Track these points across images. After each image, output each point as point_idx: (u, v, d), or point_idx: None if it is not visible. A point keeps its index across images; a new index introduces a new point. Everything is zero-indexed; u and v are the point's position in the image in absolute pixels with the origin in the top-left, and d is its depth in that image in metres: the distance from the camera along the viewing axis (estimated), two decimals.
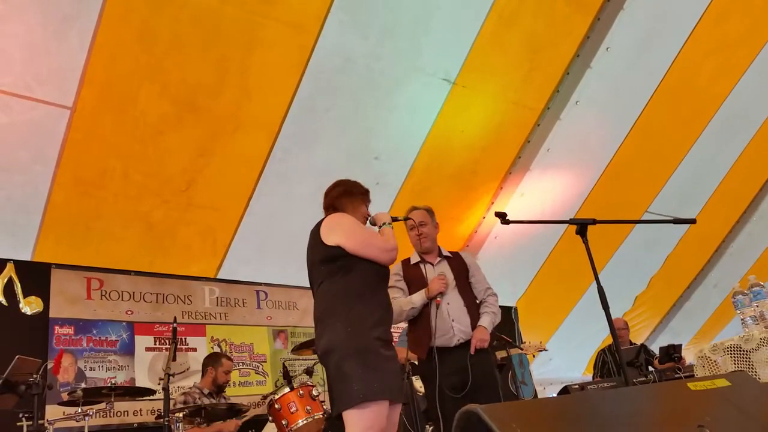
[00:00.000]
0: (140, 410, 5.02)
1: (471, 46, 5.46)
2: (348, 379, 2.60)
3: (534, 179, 6.55)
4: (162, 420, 3.91)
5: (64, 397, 4.40)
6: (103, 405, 4.27)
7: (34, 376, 3.73)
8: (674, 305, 9.06)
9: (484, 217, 6.89)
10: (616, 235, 7.62)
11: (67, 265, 5.10)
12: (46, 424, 3.97)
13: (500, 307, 3.96)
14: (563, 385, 5.37)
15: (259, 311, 6.05)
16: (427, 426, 4.32)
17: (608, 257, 7.60)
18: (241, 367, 5.71)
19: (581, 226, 2.90)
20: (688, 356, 6.09)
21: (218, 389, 4.91)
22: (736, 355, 3.18)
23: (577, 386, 5.05)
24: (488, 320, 3.77)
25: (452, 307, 3.74)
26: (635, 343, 6.61)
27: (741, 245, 8.78)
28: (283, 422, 4.11)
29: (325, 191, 3.14)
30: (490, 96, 5.93)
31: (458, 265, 3.95)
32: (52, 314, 4.92)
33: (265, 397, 5.26)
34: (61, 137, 4.51)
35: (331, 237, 2.83)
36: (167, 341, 5.30)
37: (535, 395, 7.08)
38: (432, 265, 3.88)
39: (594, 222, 2.92)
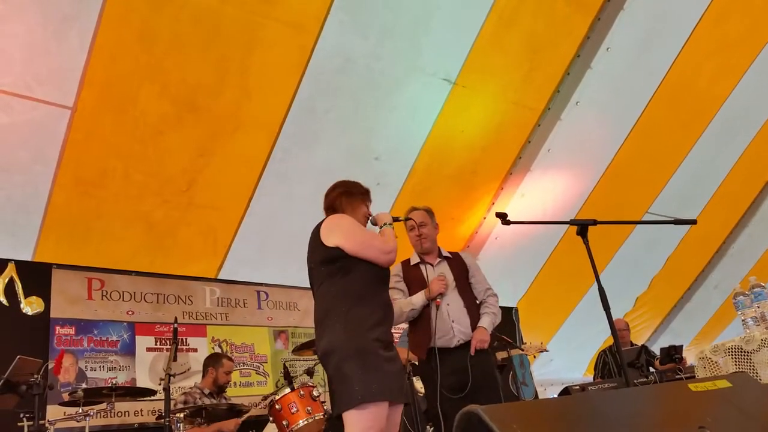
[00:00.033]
0: (141, 410, 5.02)
1: (471, 46, 5.46)
2: (347, 380, 2.60)
3: (534, 180, 6.55)
4: (163, 420, 3.92)
5: (65, 397, 4.39)
6: (103, 405, 4.27)
7: (35, 376, 3.73)
8: (675, 306, 9.06)
9: (484, 218, 6.89)
10: (616, 235, 7.62)
11: (68, 265, 5.10)
12: (46, 425, 3.97)
13: (501, 307, 3.96)
14: (564, 386, 5.37)
15: (259, 312, 6.05)
16: (428, 426, 4.32)
17: (609, 258, 7.60)
18: (241, 367, 5.71)
19: (582, 227, 2.90)
20: (689, 357, 6.09)
21: (219, 390, 4.91)
22: (737, 356, 3.18)
23: (577, 387, 5.06)
24: (488, 321, 3.76)
25: (452, 307, 3.74)
26: (636, 344, 6.61)
27: (742, 246, 8.77)
28: (284, 423, 4.11)
29: (325, 192, 3.14)
30: (491, 96, 5.93)
31: (458, 265, 3.95)
32: (53, 314, 4.92)
33: (265, 397, 5.25)
34: (62, 137, 4.51)
35: (330, 238, 2.83)
36: (168, 341, 5.30)
37: (536, 396, 7.08)
38: (432, 265, 3.87)
39: (595, 223, 2.92)
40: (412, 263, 3.96)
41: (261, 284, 6.12)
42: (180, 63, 4.60)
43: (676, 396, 2.02)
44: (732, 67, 6.82)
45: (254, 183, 5.39)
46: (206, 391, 4.81)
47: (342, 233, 2.84)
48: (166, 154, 4.95)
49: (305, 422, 4.08)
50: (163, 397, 3.94)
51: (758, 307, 3.31)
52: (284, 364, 5.21)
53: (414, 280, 3.85)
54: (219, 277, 5.84)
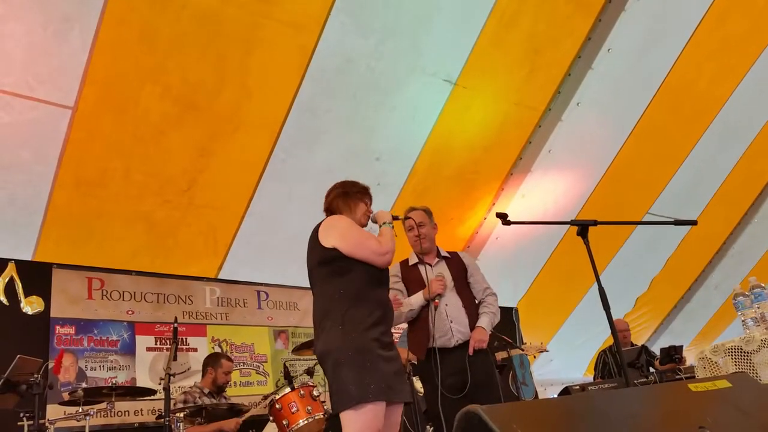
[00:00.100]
0: (141, 410, 5.02)
1: (472, 46, 5.46)
2: (344, 380, 2.61)
3: (535, 180, 6.55)
4: (163, 420, 3.91)
5: (65, 396, 4.39)
6: (103, 405, 4.27)
7: (35, 375, 3.74)
8: (675, 306, 9.06)
9: (485, 218, 6.89)
10: (617, 236, 7.62)
11: (68, 264, 5.10)
12: (47, 424, 3.97)
13: (501, 308, 3.95)
14: (564, 386, 5.37)
15: (260, 311, 6.05)
16: (428, 426, 4.32)
17: (609, 258, 7.60)
18: (241, 367, 5.71)
19: (582, 228, 2.90)
20: (689, 357, 6.09)
21: (218, 389, 4.92)
22: (737, 357, 3.18)
23: (577, 387, 5.05)
24: (487, 320, 3.76)
25: (450, 307, 3.74)
26: (636, 345, 6.61)
27: (742, 247, 8.77)
28: (284, 422, 4.11)
29: (326, 194, 3.16)
30: (492, 97, 5.93)
31: (457, 265, 3.95)
32: (53, 314, 4.92)
33: (265, 397, 5.25)
34: (63, 137, 4.52)
35: (327, 239, 2.85)
36: (168, 341, 5.30)
37: (536, 396, 7.08)
38: (430, 265, 3.87)
39: (595, 223, 2.92)
40: (410, 263, 3.96)
41: (261, 284, 6.12)
42: (181, 63, 4.60)
43: (676, 396, 2.03)
44: (733, 68, 6.82)
45: (255, 183, 5.39)
46: (206, 391, 4.81)
47: (338, 234, 2.85)
48: (167, 153, 4.95)
49: (305, 422, 4.08)
50: (163, 397, 3.93)
51: (758, 307, 3.31)
52: (284, 363, 5.21)
53: (413, 280, 3.86)
54: (219, 277, 5.84)
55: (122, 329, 5.21)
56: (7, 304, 4.76)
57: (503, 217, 2.97)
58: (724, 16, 6.20)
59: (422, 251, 3.92)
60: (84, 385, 4.79)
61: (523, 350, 5.99)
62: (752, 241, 8.77)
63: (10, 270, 4.85)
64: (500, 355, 5.39)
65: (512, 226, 3.04)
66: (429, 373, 3.64)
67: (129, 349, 5.20)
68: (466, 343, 3.68)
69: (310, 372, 4.96)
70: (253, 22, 4.61)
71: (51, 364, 4.73)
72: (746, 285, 3.46)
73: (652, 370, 5.82)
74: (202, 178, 5.17)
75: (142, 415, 5.01)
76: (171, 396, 3.99)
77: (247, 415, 4.61)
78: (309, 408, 4.13)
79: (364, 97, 5.39)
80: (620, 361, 5.88)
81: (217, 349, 5.57)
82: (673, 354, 5.64)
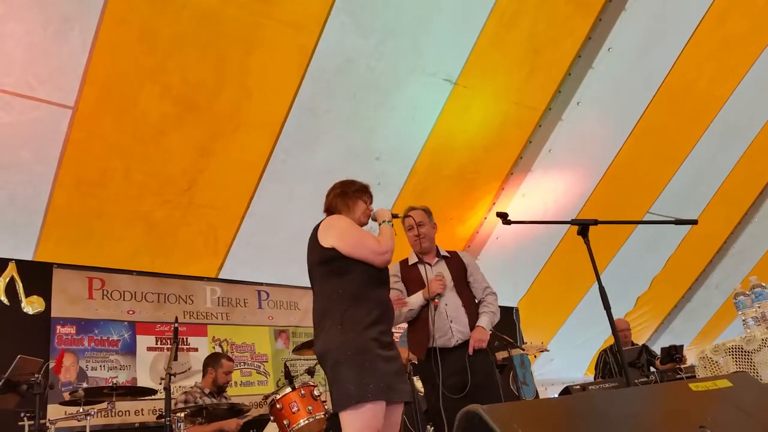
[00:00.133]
0: (142, 410, 5.02)
1: (472, 46, 5.45)
2: (343, 380, 2.62)
3: (536, 180, 6.55)
4: (163, 420, 3.92)
5: (66, 396, 4.40)
6: (104, 405, 4.27)
7: (36, 375, 3.74)
8: (676, 306, 9.06)
9: (485, 218, 6.89)
10: (617, 235, 7.62)
11: (69, 264, 5.10)
12: (47, 424, 3.98)
13: (502, 307, 3.95)
14: (564, 386, 5.37)
15: (260, 311, 6.05)
16: (428, 426, 4.32)
17: (610, 258, 7.60)
18: (242, 367, 5.71)
19: (583, 227, 2.90)
20: (690, 357, 6.08)
21: (219, 389, 4.92)
22: (737, 356, 3.18)
23: (578, 387, 5.05)
24: (486, 320, 3.76)
25: (450, 307, 3.74)
26: (637, 344, 6.61)
27: (743, 246, 8.77)
28: (285, 422, 4.11)
29: (326, 194, 3.16)
30: (492, 96, 5.93)
31: (456, 264, 3.95)
32: (53, 314, 4.92)
33: (266, 396, 5.26)
34: (63, 137, 4.52)
35: (326, 239, 2.86)
36: (169, 341, 5.30)
37: (537, 396, 7.08)
38: (430, 265, 3.87)
39: (596, 222, 2.92)
40: (410, 263, 3.96)
41: (261, 284, 6.12)
42: (181, 63, 4.60)
43: (676, 396, 2.03)
44: (733, 68, 6.82)
45: (255, 183, 5.39)
46: (206, 391, 4.81)
47: (337, 234, 2.85)
48: (167, 153, 4.95)
49: (306, 421, 4.08)
50: (163, 397, 3.94)
51: (759, 307, 3.31)
52: (285, 363, 5.21)
53: (412, 279, 3.85)
54: (219, 277, 5.84)
55: (123, 329, 5.22)
56: (8, 304, 4.76)
57: (503, 217, 2.97)
58: (724, 16, 6.20)
59: (422, 251, 3.92)
60: (85, 385, 4.79)
61: (523, 350, 5.99)
62: (753, 240, 8.78)
63: (11, 270, 4.85)
64: (501, 355, 5.39)
65: (513, 225, 3.04)
66: (429, 373, 3.63)
67: (130, 349, 5.20)
68: (466, 343, 3.68)
69: (310, 372, 4.96)
70: (253, 22, 4.61)
71: (52, 364, 4.73)
72: (747, 284, 3.46)
73: (652, 369, 5.81)
74: (202, 178, 5.17)
75: (142, 415, 5.01)
76: (172, 396, 4.00)
77: (248, 417, 4.62)
78: (310, 408, 4.13)
79: (364, 96, 5.39)
80: (621, 361, 5.88)
81: (218, 349, 5.57)
82: (673, 353, 5.63)
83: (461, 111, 5.83)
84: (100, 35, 4.22)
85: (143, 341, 5.28)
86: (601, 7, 5.74)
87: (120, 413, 4.86)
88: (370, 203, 3.13)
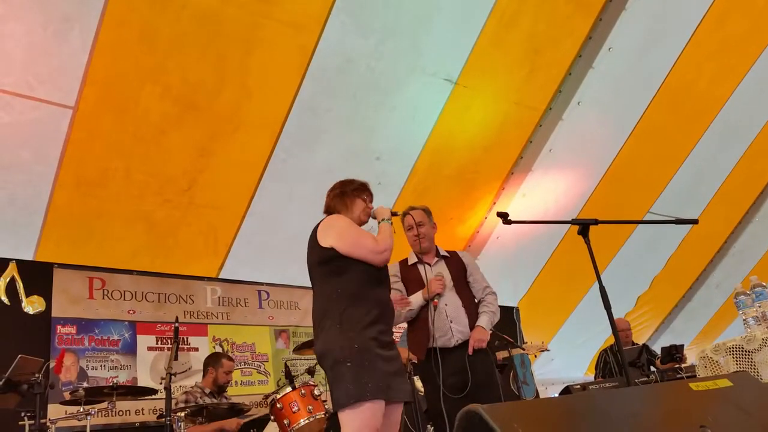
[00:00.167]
0: (142, 409, 5.03)
1: (472, 46, 5.45)
2: (341, 379, 2.62)
3: (536, 179, 6.55)
4: (164, 419, 3.92)
5: (66, 396, 4.40)
6: (105, 404, 4.27)
7: (36, 375, 3.74)
8: (676, 305, 9.06)
9: (486, 218, 6.89)
10: (618, 235, 7.62)
11: (70, 264, 5.10)
12: (48, 424, 3.97)
13: (502, 307, 3.95)
14: (565, 385, 5.36)
15: (260, 311, 6.05)
16: (429, 426, 4.32)
17: (610, 257, 7.60)
18: (242, 366, 5.71)
19: (583, 227, 2.90)
20: (690, 356, 6.08)
21: (219, 389, 4.92)
22: (738, 356, 3.18)
23: (578, 386, 5.04)
24: (486, 320, 3.76)
25: (450, 307, 3.73)
26: (637, 344, 6.60)
27: (743, 245, 8.77)
28: (285, 422, 4.11)
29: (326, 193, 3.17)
30: (492, 96, 5.92)
31: (456, 264, 3.94)
32: (54, 314, 4.92)
33: (266, 396, 5.26)
34: (63, 137, 4.52)
35: (325, 239, 2.86)
36: (169, 341, 5.30)
37: (537, 395, 7.08)
38: (430, 265, 3.87)
39: (596, 222, 2.92)
40: (409, 263, 3.95)
41: (262, 283, 6.12)
42: (181, 63, 4.60)
43: (677, 395, 2.03)
44: (733, 68, 6.82)
45: (255, 183, 5.39)
46: (207, 391, 4.81)
47: (335, 234, 2.86)
48: (167, 153, 4.95)
49: (306, 421, 4.08)
50: (164, 396, 3.94)
51: (759, 306, 3.31)
52: (285, 363, 5.22)
53: (412, 279, 3.85)
54: (220, 277, 5.85)
55: (123, 329, 5.22)
56: (9, 303, 4.76)
57: (504, 217, 2.97)
58: (724, 16, 6.20)
59: (421, 251, 3.91)
60: (85, 384, 4.79)
61: (524, 349, 5.98)
62: (753, 240, 8.77)
63: (11, 270, 4.85)
64: (501, 355, 5.38)
65: (513, 225, 3.04)
66: (429, 373, 3.63)
67: (130, 349, 5.20)
68: (466, 343, 3.68)
69: (311, 371, 4.96)
70: (253, 22, 4.61)
71: (52, 364, 4.73)
72: (747, 284, 3.45)
73: (653, 369, 5.81)
74: (202, 177, 5.17)
75: (143, 414, 5.02)
76: (172, 395, 4.00)
77: (248, 417, 4.62)
78: (310, 407, 4.13)
79: (364, 96, 5.39)
80: (621, 361, 5.88)
81: (218, 349, 5.57)
82: (674, 353, 5.63)
83: (461, 111, 5.82)
84: (101, 35, 4.22)
85: (144, 341, 5.29)
86: (601, 7, 5.74)
87: (120, 413, 4.86)
88: (370, 201, 3.13)
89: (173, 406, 4.10)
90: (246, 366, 5.76)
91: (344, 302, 2.76)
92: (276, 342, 6.05)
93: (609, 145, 6.80)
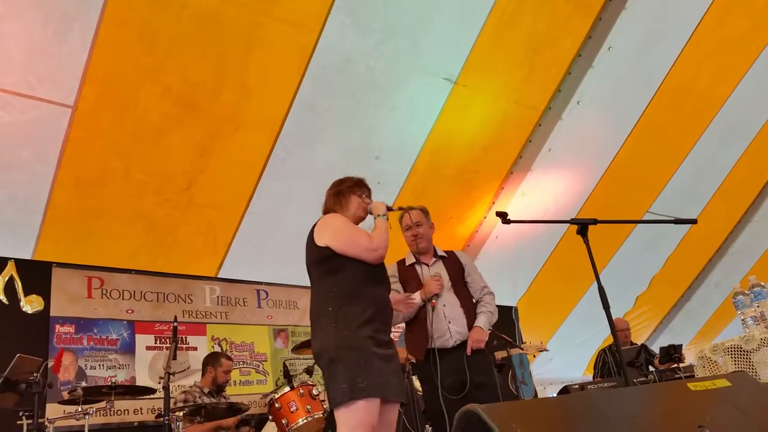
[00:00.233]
0: (141, 409, 5.02)
1: (472, 45, 5.45)
2: (336, 378, 2.63)
3: (535, 179, 6.55)
4: (162, 419, 3.91)
5: (65, 395, 4.40)
6: (103, 404, 4.27)
7: (35, 374, 3.74)
8: (675, 305, 9.06)
9: (485, 217, 6.89)
10: (617, 235, 7.62)
11: (68, 263, 5.10)
12: (46, 423, 3.97)
13: (501, 307, 3.95)
14: (563, 385, 5.36)
15: (259, 310, 6.05)
16: (427, 426, 4.32)
17: (609, 257, 7.60)
18: (241, 366, 5.71)
19: (582, 226, 2.90)
20: (689, 356, 6.08)
21: (218, 389, 4.92)
22: (736, 356, 3.18)
23: (577, 386, 5.04)
24: (484, 320, 3.76)
25: (448, 308, 3.73)
26: (636, 344, 6.60)
27: (742, 245, 8.78)
28: (283, 421, 4.11)
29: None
30: (492, 95, 5.92)
31: (454, 264, 3.94)
32: (52, 313, 4.92)
33: (265, 396, 5.26)
34: (63, 136, 4.51)
35: (321, 238, 2.87)
36: (168, 340, 5.30)
37: (535, 395, 7.08)
38: (427, 265, 3.87)
39: (595, 222, 2.92)
40: (407, 263, 3.94)
41: (261, 283, 6.12)
42: (181, 62, 4.60)
43: (675, 395, 2.03)
44: (733, 67, 6.82)
45: (254, 182, 5.39)
46: (206, 390, 4.82)
47: (331, 233, 2.87)
48: (167, 153, 4.95)
49: (304, 421, 4.09)
50: (162, 396, 3.94)
51: (758, 306, 3.31)
52: (284, 362, 5.22)
53: (410, 280, 3.85)
54: (219, 276, 5.84)
55: (122, 328, 5.22)
56: (7, 303, 4.76)
57: (503, 216, 2.97)
58: (724, 15, 6.20)
59: (419, 251, 3.90)
60: (83, 384, 4.79)
61: (522, 349, 5.98)
62: (752, 239, 8.78)
63: (10, 269, 4.85)
64: (500, 354, 5.38)
65: (512, 224, 3.03)
66: (428, 374, 3.63)
67: (129, 348, 5.20)
68: (464, 343, 3.67)
69: (309, 371, 4.96)
70: (253, 21, 4.61)
71: (50, 363, 4.73)
72: (746, 284, 3.45)
73: (651, 369, 5.81)
74: (201, 177, 5.17)
75: (141, 414, 5.01)
76: (171, 395, 4.00)
77: (245, 414, 4.61)
78: (308, 407, 4.13)
79: (364, 96, 5.39)
80: (620, 360, 5.88)
81: (217, 348, 5.57)
82: (672, 353, 5.63)
83: (461, 110, 5.82)
84: (100, 34, 4.22)
85: (142, 340, 5.28)
86: (601, 7, 5.74)
87: (119, 412, 4.86)
88: (367, 196, 3.12)
89: (172, 406, 4.09)
90: (244, 365, 5.76)
91: (340, 301, 2.77)
92: (275, 341, 6.05)
93: (608, 145, 6.80)
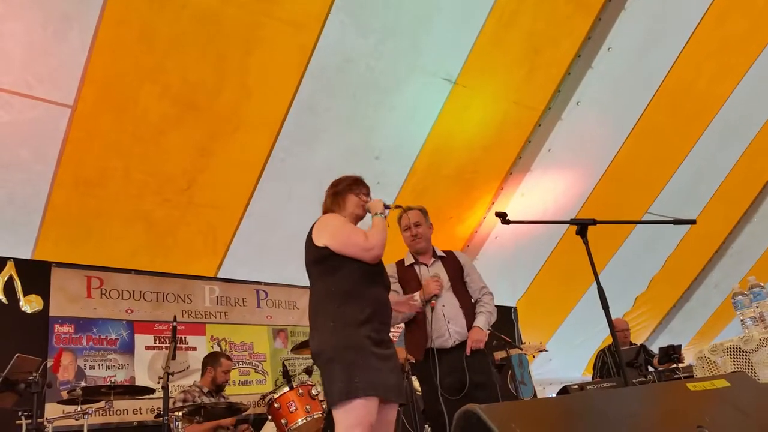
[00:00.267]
0: (140, 409, 5.02)
1: (472, 45, 5.45)
2: (334, 377, 2.63)
3: (535, 179, 6.55)
4: (161, 419, 3.91)
5: (64, 395, 4.39)
6: (102, 403, 4.27)
7: (34, 374, 3.73)
8: (674, 306, 9.06)
9: (484, 217, 6.89)
10: (616, 235, 7.62)
11: (68, 263, 5.10)
12: (45, 423, 3.97)
13: (500, 307, 3.95)
14: (562, 386, 5.37)
15: (259, 310, 6.05)
16: (426, 426, 4.32)
17: (608, 258, 7.60)
18: (240, 366, 5.71)
19: (582, 227, 2.90)
20: (688, 357, 6.08)
21: (218, 389, 4.92)
22: (735, 356, 3.18)
23: (576, 386, 5.05)
24: (483, 320, 3.76)
25: (447, 308, 3.73)
26: (635, 344, 6.61)
27: (741, 246, 8.78)
28: (283, 421, 4.11)
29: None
30: (491, 96, 5.92)
31: (453, 264, 3.94)
32: (52, 313, 4.92)
33: (264, 396, 5.26)
34: (62, 136, 4.51)
35: (319, 238, 2.88)
36: (167, 340, 5.30)
37: (535, 395, 7.08)
38: (426, 266, 3.87)
39: (594, 222, 2.92)
40: (406, 264, 3.94)
41: (260, 283, 6.12)
42: (180, 62, 4.60)
43: (674, 395, 2.03)
44: (732, 68, 6.82)
45: (254, 182, 5.39)
46: (205, 390, 4.81)
47: (328, 232, 2.87)
48: (167, 153, 4.95)
49: (304, 421, 4.09)
50: (161, 396, 3.93)
51: (757, 307, 3.31)
52: (283, 362, 5.22)
53: (409, 280, 3.85)
54: (218, 276, 5.84)
55: (121, 328, 5.21)
56: (6, 302, 4.76)
57: (503, 216, 2.97)
58: (724, 15, 6.20)
59: (418, 251, 3.91)
60: (83, 383, 4.78)
61: (522, 349, 5.99)
62: (752, 240, 8.78)
63: (9, 269, 4.85)
64: (499, 355, 5.38)
65: (511, 225, 3.03)
66: (427, 374, 3.63)
67: (128, 348, 5.20)
68: (463, 344, 3.67)
69: (308, 371, 4.96)
70: (253, 21, 4.61)
71: (50, 363, 4.73)
72: (745, 284, 3.46)
73: (650, 369, 5.82)
74: (201, 177, 5.17)
75: (140, 413, 5.01)
76: (170, 395, 4.00)
77: (245, 413, 4.62)
78: (307, 407, 4.14)
79: (363, 96, 5.39)
80: (619, 361, 5.88)
81: (216, 348, 5.57)
82: (671, 353, 5.64)
83: (461, 110, 5.82)
84: (100, 34, 4.22)
85: (141, 340, 5.28)
86: (600, 7, 5.74)
87: (118, 412, 4.86)
88: (366, 194, 3.11)
89: (171, 406, 4.09)
90: (244, 365, 5.76)
91: (337, 300, 2.77)
92: (274, 341, 6.05)
93: (608, 145, 6.80)
